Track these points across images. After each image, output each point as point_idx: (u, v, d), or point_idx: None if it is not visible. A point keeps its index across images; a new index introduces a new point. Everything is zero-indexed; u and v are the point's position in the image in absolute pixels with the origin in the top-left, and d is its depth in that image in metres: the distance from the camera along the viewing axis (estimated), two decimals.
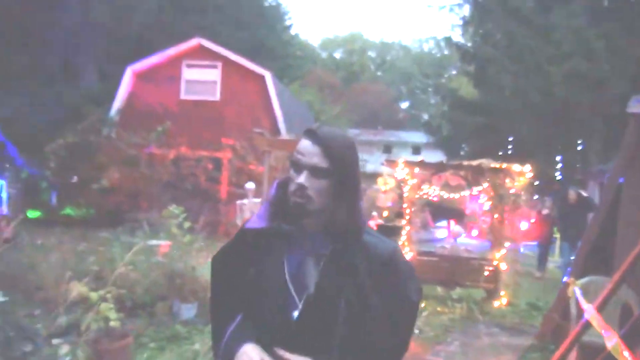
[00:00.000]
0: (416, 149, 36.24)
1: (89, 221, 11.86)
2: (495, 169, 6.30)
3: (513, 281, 6.45)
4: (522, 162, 12.20)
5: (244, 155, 12.89)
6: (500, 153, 18.18)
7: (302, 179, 1.41)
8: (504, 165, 6.32)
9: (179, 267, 5.29)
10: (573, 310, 4.37)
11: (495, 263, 6.26)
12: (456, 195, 9.38)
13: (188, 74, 14.31)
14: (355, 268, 1.46)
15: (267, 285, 1.49)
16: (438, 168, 6.70)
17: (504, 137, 19.19)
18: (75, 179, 11.61)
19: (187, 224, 5.53)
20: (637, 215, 4.39)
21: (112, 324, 4.01)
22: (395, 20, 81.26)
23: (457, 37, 24.06)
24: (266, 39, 30.84)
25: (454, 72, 47.88)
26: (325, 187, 1.42)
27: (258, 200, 7.97)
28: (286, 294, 1.46)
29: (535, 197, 16.76)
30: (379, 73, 59.71)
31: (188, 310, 5.37)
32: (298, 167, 1.43)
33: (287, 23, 38.76)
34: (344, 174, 1.43)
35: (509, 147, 18.82)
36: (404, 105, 57.75)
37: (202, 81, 14.30)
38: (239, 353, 1.44)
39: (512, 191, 6.41)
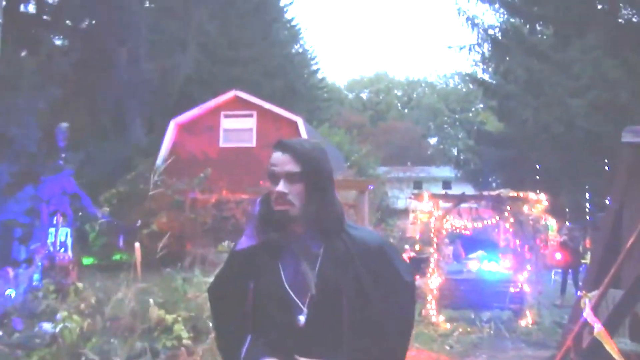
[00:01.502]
0: (446, 184, 36.53)
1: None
2: (513, 197, 6.91)
3: (537, 302, 6.95)
4: (552, 193, 12.75)
5: None
6: (529, 185, 18.54)
7: (280, 187, 1.49)
8: (522, 194, 6.93)
9: None
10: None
11: (519, 285, 6.78)
12: (482, 226, 9.89)
13: (226, 123, 15.46)
14: (351, 260, 1.52)
15: (268, 295, 1.53)
16: (460, 199, 7.34)
17: (531, 170, 19.55)
18: (139, 223, 12.66)
19: None
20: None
21: (184, 342, 4.75)
22: (419, 58, 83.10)
23: (480, 71, 24.90)
24: (295, 84, 32.21)
25: (480, 106, 48.26)
26: (301, 190, 1.50)
27: None
28: (288, 299, 1.50)
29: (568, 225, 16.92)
30: (405, 110, 60.52)
31: None
32: (274, 177, 1.51)
33: (314, 67, 40.24)
34: (315, 175, 1.52)
35: (537, 178, 19.17)
36: (433, 140, 58.16)
37: (239, 129, 15.40)
38: None
39: (531, 218, 6.98)
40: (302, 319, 1.47)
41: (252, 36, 23.46)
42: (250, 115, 15.38)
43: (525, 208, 6.92)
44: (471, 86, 42.60)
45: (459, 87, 59.00)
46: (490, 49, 18.78)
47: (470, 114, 52.72)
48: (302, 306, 1.49)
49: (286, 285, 1.50)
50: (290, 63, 33.33)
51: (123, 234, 11.87)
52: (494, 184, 26.06)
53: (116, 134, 15.14)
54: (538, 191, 15.44)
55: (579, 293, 5.54)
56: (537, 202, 6.91)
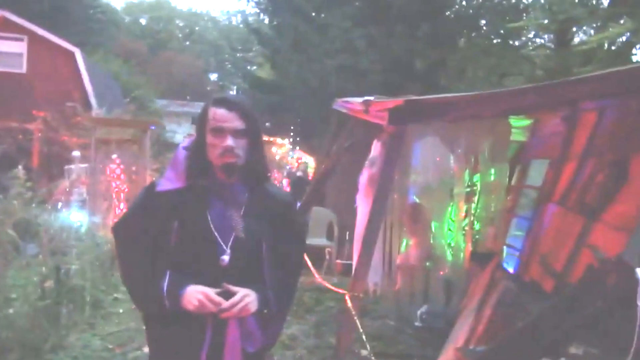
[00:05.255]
0: None
1: None
2: (267, 141, 9.04)
3: None
4: (309, 136, 15.64)
5: (56, 126, 13.76)
6: (292, 128, 21.44)
7: (229, 141, 1.63)
8: (271, 139, 9.10)
9: (26, 217, 6.91)
10: None
11: None
12: None
13: None
14: (268, 210, 1.76)
15: (193, 235, 1.66)
16: None
17: (294, 115, 22.31)
18: None
19: (28, 184, 7.11)
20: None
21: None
22: None
23: (259, 19, 26.71)
24: (66, 2, 29.65)
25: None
26: (245, 144, 1.67)
27: (84, 165, 9.52)
28: (213, 241, 1.65)
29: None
30: (187, 43, 59.52)
31: (32, 249, 7.04)
32: (222, 132, 1.64)
33: None
34: (256, 131, 1.70)
35: (299, 123, 22.09)
36: (213, 76, 58.78)
37: (7, 53, 14.53)
38: (186, 294, 1.60)
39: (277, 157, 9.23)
40: (226, 258, 1.63)
41: None
42: (21, 40, 14.62)
43: (274, 149, 9.10)
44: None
45: (242, 26, 60.08)
46: (265, 4, 20.50)
47: (252, 53, 54.42)
48: (225, 248, 1.64)
49: (212, 227, 1.66)
50: None
51: None
52: (266, 124, 28.78)
53: None
54: (295, 135, 18.33)
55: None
56: (282, 145, 9.15)
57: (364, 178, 4.10)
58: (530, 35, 18.08)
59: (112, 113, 14.04)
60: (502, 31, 17.55)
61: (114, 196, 8.18)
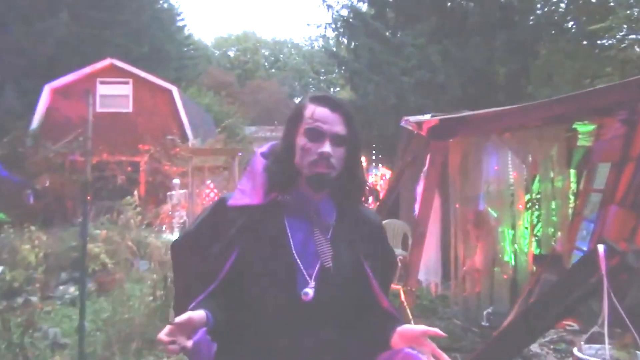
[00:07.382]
0: None
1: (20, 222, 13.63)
2: None
3: None
4: (389, 155, 16.06)
5: (159, 158, 15.33)
6: (374, 145, 21.95)
7: (326, 147, 1.35)
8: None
9: (136, 238, 7.99)
10: None
11: None
12: None
13: (102, 89, 16.38)
14: (362, 235, 1.47)
15: (267, 264, 1.37)
16: None
17: (375, 134, 22.79)
18: (47, 183, 13.53)
19: (138, 209, 8.23)
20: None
21: (109, 266, 6.66)
22: (286, 19, 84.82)
23: (338, 44, 27.68)
24: (163, 43, 32.38)
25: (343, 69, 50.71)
26: (343, 155, 1.38)
27: (183, 191, 10.68)
28: (294, 271, 1.36)
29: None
30: (272, 70, 62.19)
31: (143, 265, 8.07)
32: (319, 135, 1.36)
33: (180, 24, 40.19)
34: (356, 142, 1.42)
35: (380, 142, 22.49)
36: (298, 100, 60.43)
37: (115, 95, 16.46)
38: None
39: None
40: (309, 292, 1.34)
41: None
42: (127, 83, 16.49)
43: None
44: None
45: (323, 50, 61.52)
46: (342, 28, 21.34)
47: (334, 75, 55.66)
48: (308, 279, 1.36)
49: (294, 254, 1.37)
50: (157, 21, 33.23)
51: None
52: None
53: None
54: (377, 152, 18.73)
55: None
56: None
57: (420, 188, 4.52)
58: (623, 33, 17.35)
59: (206, 143, 15.39)
60: (588, 32, 17.03)
61: None
